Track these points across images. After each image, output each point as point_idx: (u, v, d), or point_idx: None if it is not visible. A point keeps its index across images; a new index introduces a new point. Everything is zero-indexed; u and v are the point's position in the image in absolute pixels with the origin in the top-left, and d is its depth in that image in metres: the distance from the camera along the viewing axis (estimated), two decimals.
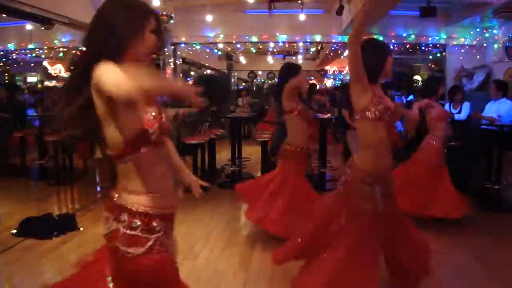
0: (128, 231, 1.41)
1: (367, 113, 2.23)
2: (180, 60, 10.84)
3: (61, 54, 12.22)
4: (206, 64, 14.82)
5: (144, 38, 1.42)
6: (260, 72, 20.26)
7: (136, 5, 1.42)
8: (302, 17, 8.78)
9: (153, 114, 1.43)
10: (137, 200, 1.43)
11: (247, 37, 10.00)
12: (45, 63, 14.58)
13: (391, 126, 2.34)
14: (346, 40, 9.68)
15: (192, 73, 14.82)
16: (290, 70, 3.77)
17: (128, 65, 1.38)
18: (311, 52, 15.73)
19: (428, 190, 4.20)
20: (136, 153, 1.40)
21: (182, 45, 10.34)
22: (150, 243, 1.41)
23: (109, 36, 1.35)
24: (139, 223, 1.42)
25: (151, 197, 1.44)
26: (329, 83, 19.91)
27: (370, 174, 2.28)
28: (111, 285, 1.49)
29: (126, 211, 1.43)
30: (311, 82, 13.27)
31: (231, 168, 6.30)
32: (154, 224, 1.44)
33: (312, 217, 2.56)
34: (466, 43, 9.01)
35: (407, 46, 10.24)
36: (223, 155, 7.82)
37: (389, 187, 2.39)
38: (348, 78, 11.66)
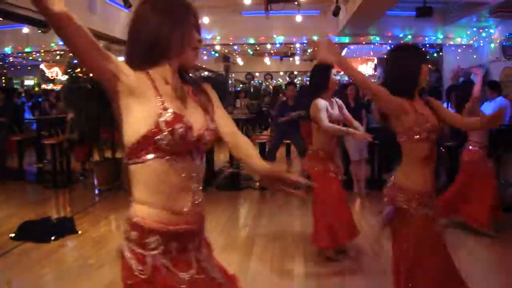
0: (126, 243, 1.25)
1: (413, 134, 1.99)
2: None
3: (58, 57, 12.23)
4: (203, 66, 14.82)
5: (190, 38, 1.28)
6: (257, 74, 20.30)
7: (176, 4, 1.28)
8: (298, 18, 8.80)
9: (168, 116, 1.19)
10: (139, 209, 1.24)
11: (244, 39, 10.02)
12: (42, 66, 14.56)
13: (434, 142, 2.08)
14: (343, 40, 9.74)
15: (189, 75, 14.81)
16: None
17: (172, 69, 1.29)
18: (308, 53, 15.74)
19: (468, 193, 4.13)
20: (138, 159, 1.21)
21: None
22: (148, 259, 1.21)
23: (153, 45, 1.23)
24: (134, 234, 1.23)
25: (155, 211, 1.24)
26: None
27: (421, 194, 2.03)
28: None
29: (127, 221, 1.27)
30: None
31: (230, 170, 6.29)
32: (149, 239, 1.22)
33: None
34: (462, 42, 9.06)
35: None
36: (221, 157, 7.81)
37: (435, 209, 2.12)
38: (346, 78, 11.46)
